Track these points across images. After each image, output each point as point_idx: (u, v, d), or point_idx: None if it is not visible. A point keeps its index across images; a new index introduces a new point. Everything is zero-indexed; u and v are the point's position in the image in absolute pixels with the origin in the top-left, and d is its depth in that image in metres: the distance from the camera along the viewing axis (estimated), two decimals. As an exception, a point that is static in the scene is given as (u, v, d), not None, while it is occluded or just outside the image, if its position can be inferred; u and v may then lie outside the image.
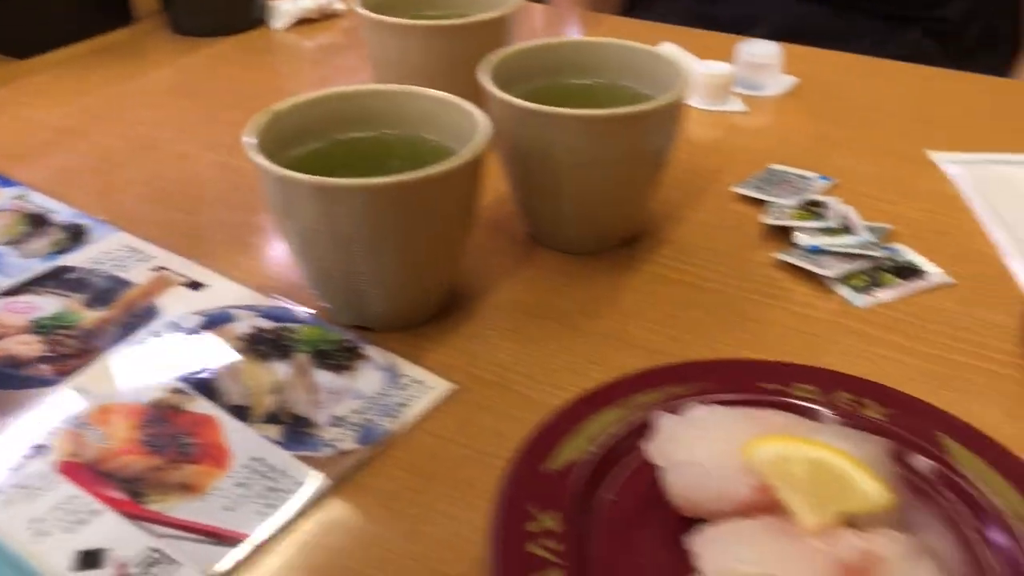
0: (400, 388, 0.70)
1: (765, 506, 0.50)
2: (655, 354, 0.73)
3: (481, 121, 0.73)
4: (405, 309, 0.77)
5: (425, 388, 0.70)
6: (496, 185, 0.89)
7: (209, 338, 0.75)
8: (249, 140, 0.71)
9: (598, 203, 0.84)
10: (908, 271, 0.83)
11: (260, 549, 0.57)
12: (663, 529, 0.53)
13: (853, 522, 0.49)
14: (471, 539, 0.57)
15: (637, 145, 0.81)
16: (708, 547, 0.47)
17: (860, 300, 0.80)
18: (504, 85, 0.81)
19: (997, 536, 0.53)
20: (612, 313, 0.80)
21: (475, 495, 0.60)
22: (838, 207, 0.91)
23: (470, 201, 0.75)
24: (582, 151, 0.79)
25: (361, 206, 0.67)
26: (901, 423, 0.60)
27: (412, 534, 0.59)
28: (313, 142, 0.78)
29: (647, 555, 0.53)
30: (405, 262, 0.73)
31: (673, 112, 0.82)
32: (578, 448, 0.59)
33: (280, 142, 0.74)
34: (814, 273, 0.83)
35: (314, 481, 0.62)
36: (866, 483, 0.50)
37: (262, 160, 0.68)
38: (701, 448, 0.52)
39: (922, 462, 0.58)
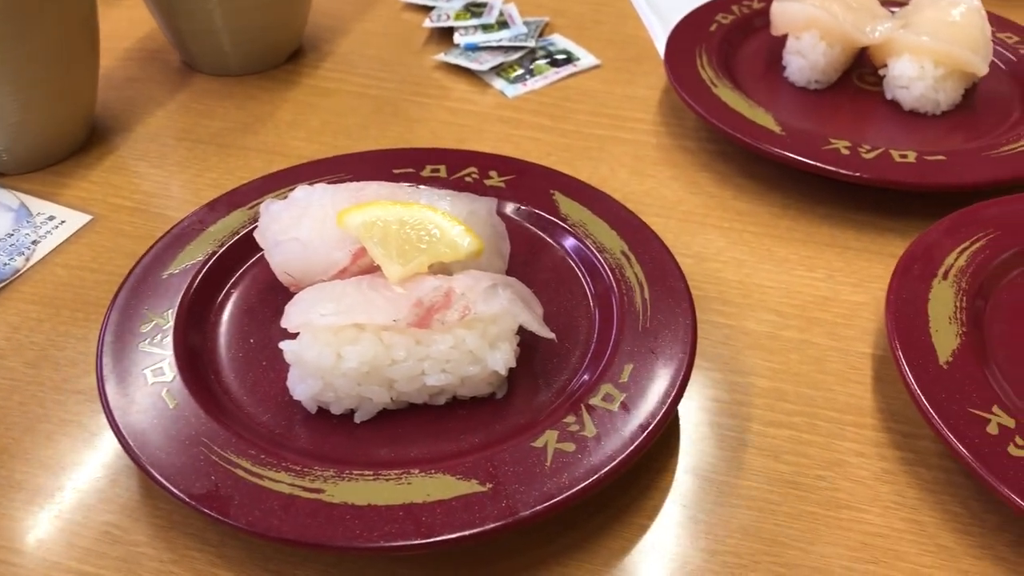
0: (33, 227, 0.67)
1: (364, 269, 0.52)
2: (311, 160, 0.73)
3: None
4: (36, 146, 0.71)
5: (58, 223, 0.67)
6: (147, 16, 0.84)
7: None
8: None
9: (248, 16, 0.81)
10: (561, 59, 0.86)
11: None
12: (278, 310, 0.53)
13: (446, 270, 0.52)
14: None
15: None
16: (292, 307, 0.48)
17: (512, 90, 0.82)
18: None
19: (596, 268, 0.58)
20: (269, 129, 0.78)
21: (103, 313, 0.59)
22: (499, 5, 0.92)
23: (87, 22, 0.70)
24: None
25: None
26: (519, 185, 0.64)
27: (39, 359, 0.57)
28: None
29: (260, 334, 0.54)
30: (21, 93, 0.67)
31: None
32: (199, 251, 0.58)
33: None
34: (472, 69, 0.84)
35: (-74, 326, 0.58)
36: (456, 234, 0.52)
37: None
38: (301, 225, 0.53)
39: (537, 215, 0.62)
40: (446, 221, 0.53)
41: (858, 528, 0.48)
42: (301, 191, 0.55)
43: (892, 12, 0.78)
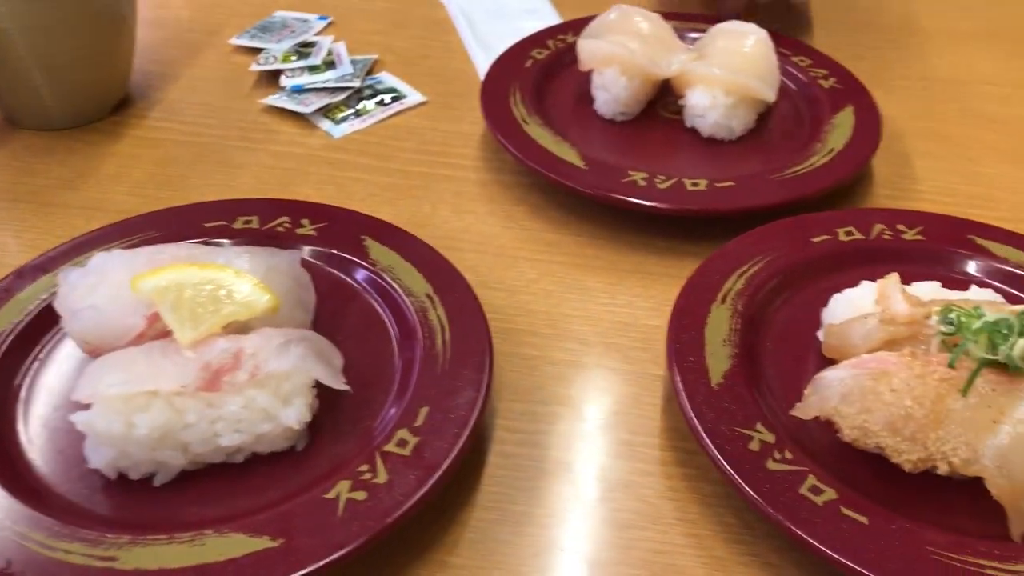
0: None
1: (160, 333, 0.53)
2: (131, 215, 0.73)
3: None
4: None
5: None
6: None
7: None
8: None
9: (68, 69, 0.80)
10: (388, 97, 0.88)
11: None
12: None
13: (246, 328, 0.53)
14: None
15: (86, 6, 0.78)
16: (83, 378, 0.49)
17: (338, 131, 0.84)
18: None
19: (402, 312, 0.60)
20: (92, 184, 0.78)
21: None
22: (327, 45, 0.94)
23: None
24: (25, 14, 0.74)
25: None
26: (330, 233, 0.65)
27: None
28: None
29: (65, 403, 0.54)
30: None
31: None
32: (5, 320, 0.58)
33: None
34: (298, 111, 0.86)
35: None
36: (252, 292, 0.54)
37: None
38: (97, 292, 0.54)
39: (347, 262, 0.64)
40: (241, 280, 0.54)
41: (640, 546, 0.52)
42: (99, 257, 0.56)
43: (691, 39, 0.83)
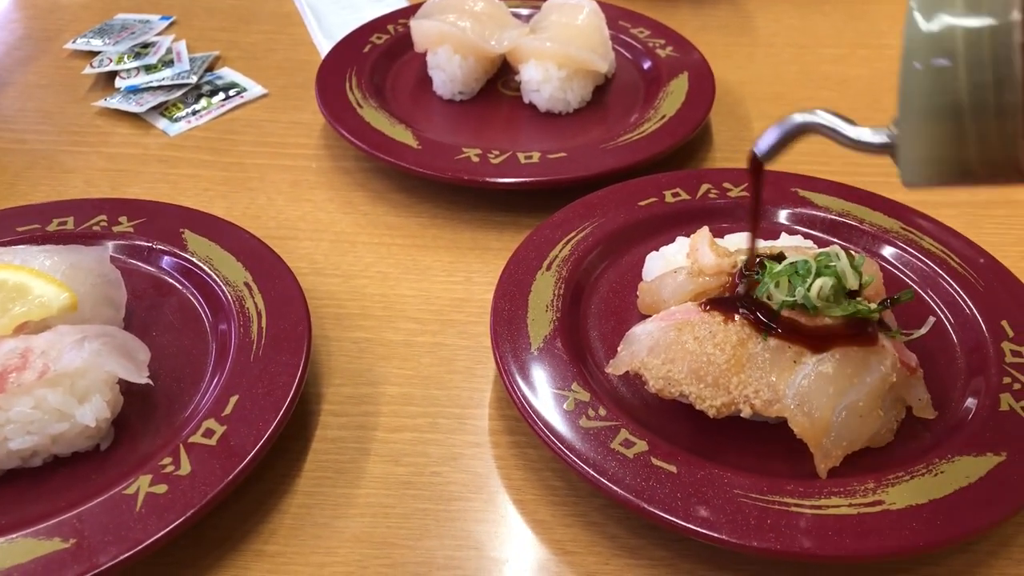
0: None
1: (-52, 339, 0.51)
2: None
3: None
4: None
5: None
6: None
7: None
8: None
9: None
10: (229, 92, 0.86)
11: None
12: None
13: (45, 326, 0.51)
14: None
15: None
16: None
17: (175, 128, 0.82)
18: None
19: (219, 302, 0.58)
20: (-90, 197, 0.74)
21: None
22: (166, 44, 0.91)
23: None
24: None
25: None
26: (148, 228, 0.64)
27: None
28: None
29: None
30: None
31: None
32: None
33: None
34: (132, 112, 0.83)
35: None
36: (48, 291, 0.52)
37: None
38: None
39: (164, 256, 0.62)
40: (36, 279, 0.52)
41: (465, 517, 0.51)
42: None
43: (526, 16, 0.84)
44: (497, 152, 0.71)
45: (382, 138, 0.73)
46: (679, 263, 0.56)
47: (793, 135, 0.43)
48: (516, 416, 0.56)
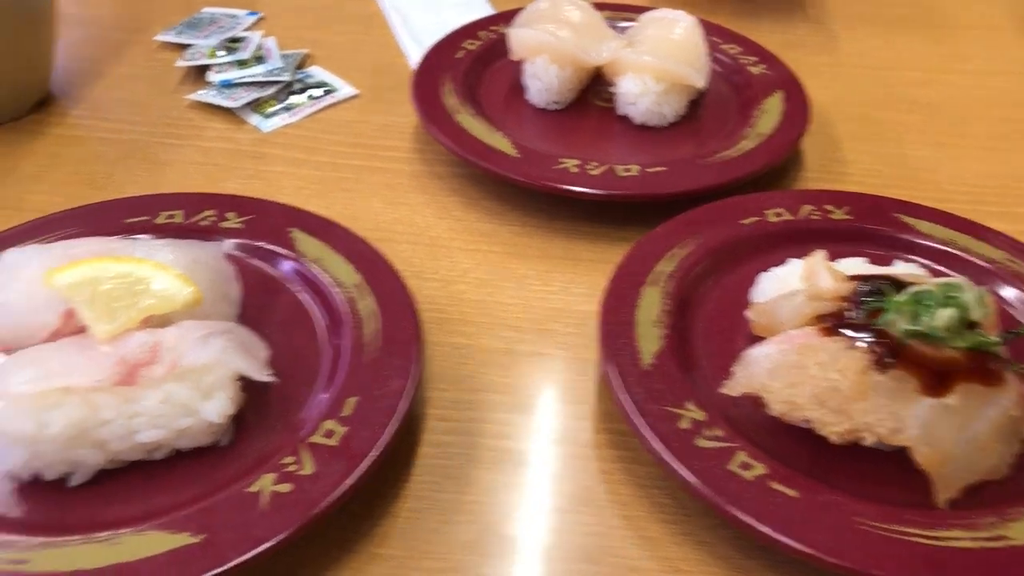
0: None
1: (76, 329, 0.51)
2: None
3: None
4: None
5: None
6: None
7: None
8: None
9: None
10: (318, 91, 0.87)
11: None
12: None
13: (167, 321, 0.52)
14: None
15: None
16: (-9, 377, 0.48)
17: (268, 125, 0.82)
18: None
19: (331, 303, 0.59)
20: (9, 184, 0.75)
21: None
22: (256, 40, 0.92)
23: None
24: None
25: None
26: (257, 226, 0.64)
27: None
28: None
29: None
30: None
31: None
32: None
33: None
34: (226, 107, 0.84)
35: None
36: (172, 286, 0.52)
37: None
38: (9, 289, 0.52)
39: (274, 254, 0.62)
40: (161, 273, 0.53)
41: (575, 529, 0.51)
42: (11, 254, 0.54)
43: (622, 28, 0.84)
44: (596, 164, 0.71)
45: (480, 145, 0.73)
46: (793, 285, 0.56)
47: None
48: (620, 431, 0.57)
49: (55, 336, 0.51)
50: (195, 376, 0.49)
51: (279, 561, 0.48)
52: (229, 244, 0.61)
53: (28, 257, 0.54)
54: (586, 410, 0.58)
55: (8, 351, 0.53)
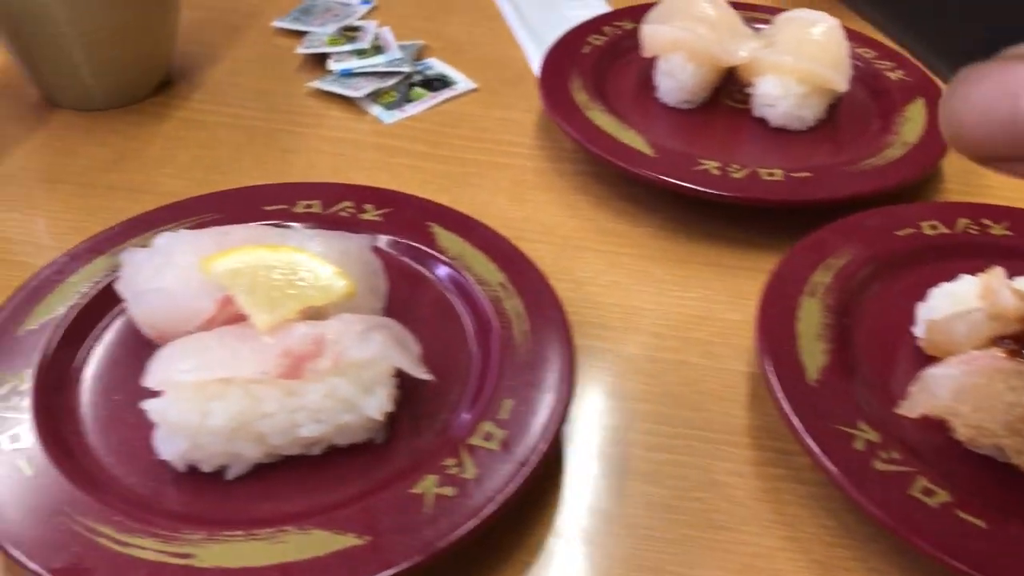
0: None
1: (232, 318, 0.50)
2: (179, 199, 0.70)
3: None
4: None
5: (-96, 276, 0.63)
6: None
7: None
8: None
9: (110, 48, 0.77)
10: (438, 83, 0.86)
11: None
12: (144, 364, 0.51)
13: (319, 314, 0.51)
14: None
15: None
16: (154, 363, 0.46)
17: (389, 116, 0.81)
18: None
19: (475, 302, 0.57)
20: (136, 166, 0.75)
21: (-43, 375, 0.55)
22: (372, 29, 0.91)
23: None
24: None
25: None
26: (395, 219, 0.63)
27: None
28: None
29: (126, 391, 0.51)
30: None
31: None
32: (59, 304, 0.55)
33: None
34: (347, 96, 0.83)
35: None
36: (328, 277, 0.51)
37: None
38: (164, 275, 0.51)
39: (415, 249, 0.61)
40: (317, 263, 0.52)
41: (737, 549, 0.49)
42: (164, 238, 0.53)
43: (757, 29, 0.81)
44: (737, 166, 0.68)
45: (614, 143, 0.71)
46: (967, 302, 0.53)
47: None
48: (778, 448, 0.54)
49: (210, 324, 0.50)
50: (356, 371, 0.47)
51: (436, 566, 0.46)
52: (374, 238, 0.59)
53: (182, 242, 0.53)
54: (740, 424, 0.56)
55: (160, 337, 0.52)
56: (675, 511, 0.51)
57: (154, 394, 0.47)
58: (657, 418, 0.56)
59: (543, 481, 0.52)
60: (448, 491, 0.45)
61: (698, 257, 0.68)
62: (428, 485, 0.46)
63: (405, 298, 0.58)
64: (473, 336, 0.56)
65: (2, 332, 0.54)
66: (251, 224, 0.56)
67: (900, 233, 0.63)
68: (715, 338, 0.61)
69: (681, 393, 0.58)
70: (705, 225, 0.70)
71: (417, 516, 0.44)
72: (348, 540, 0.43)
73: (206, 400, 0.45)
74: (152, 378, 0.46)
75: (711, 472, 0.53)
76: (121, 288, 0.52)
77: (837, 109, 0.79)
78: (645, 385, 0.58)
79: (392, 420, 0.50)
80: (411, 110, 0.82)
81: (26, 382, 0.51)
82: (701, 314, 0.63)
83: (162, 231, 0.57)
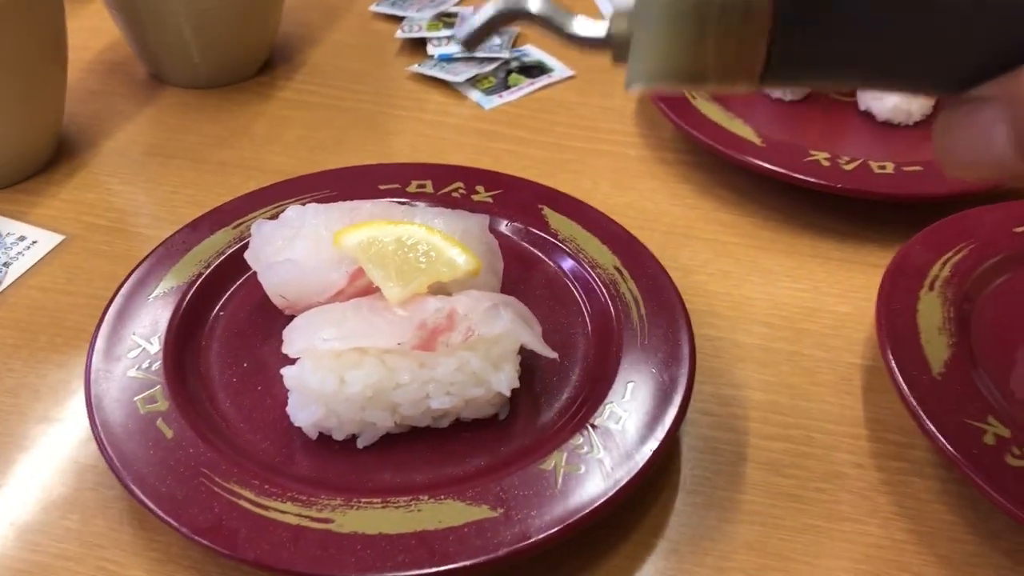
0: (3, 249, 0.64)
1: (360, 290, 0.51)
2: (289, 176, 0.71)
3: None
4: (2, 163, 0.69)
5: (29, 243, 0.65)
6: (111, 26, 0.82)
7: None
8: None
9: (219, 27, 0.79)
10: (535, 70, 0.86)
11: None
12: (271, 332, 0.52)
13: (444, 289, 0.51)
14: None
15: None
16: (293, 332, 0.47)
17: (488, 102, 0.82)
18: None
19: (590, 284, 0.58)
20: (244, 143, 0.76)
21: (86, 339, 0.57)
22: (469, 15, 0.91)
23: (54, 33, 0.68)
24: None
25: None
26: (506, 201, 0.63)
27: (18, 388, 0.55)
28: None
29: (253, 357, 0.53)
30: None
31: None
32: (185, 273, 0.57)
33: None
34: (447, 81, 0.83)
35: None
36: (454, 253, 0.52)
37: None
38: (294, 246, 0.52)
39: (527, 230, 0.61)
40: (442, 240, 0.52)
41: (860, 540, 0.49)
42: (293, 211, 0.54)
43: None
44: (847, 158, 0.68)
45: (723, 133, 0.71)
46: (1099, 301, 0.52)
47: (498, 23, 0.34)
48: (896, 441, 0.54)
49: (339, 296, 0.51)
50: (485, 346, 0.48)
51: (567, 541, 0.47)
52: (490, 218, 0.60)
53: (312, 215, 0.53)
54: (857, 416, 0.55)
55: (289, 308, 0.53)
56: (797, 500, 0.51)
57: (284, 362, 0.48)
58: (773, 407, 0.56)
59: (660, 463, 0.52)
60: (576, 468, 0.46)
61: (805, 248, 0.67)
62: (557, 461, 0.46)
63: (520, 279, 0.59)
64: (588, 318, 0.56)
65: (131, 297, 0.55)
66: (379, 200, 0.56)
67: (1017, 230, 0.62)
68: (827, 330, 0.61)
69: (796, 383, 0.57)
70: (811, 216, 0.69)
71: (548, 491, 0.45)
72: (482, 512, 0.44)
73: (344, 368, 0.46)
74: (292, 346, 0.47)
75: (832, 463, 0.53)
76: (250, 258, 0.53)
77: (941, 105, 0.77)
78: (758, 374, 0.58)
79: (514, 397, 0.51)
80: (509, 96, 0.82)
81: (157, 346, 0.52)
82: (812, 306, 0.63)
83: (284, 205, 0.58)
